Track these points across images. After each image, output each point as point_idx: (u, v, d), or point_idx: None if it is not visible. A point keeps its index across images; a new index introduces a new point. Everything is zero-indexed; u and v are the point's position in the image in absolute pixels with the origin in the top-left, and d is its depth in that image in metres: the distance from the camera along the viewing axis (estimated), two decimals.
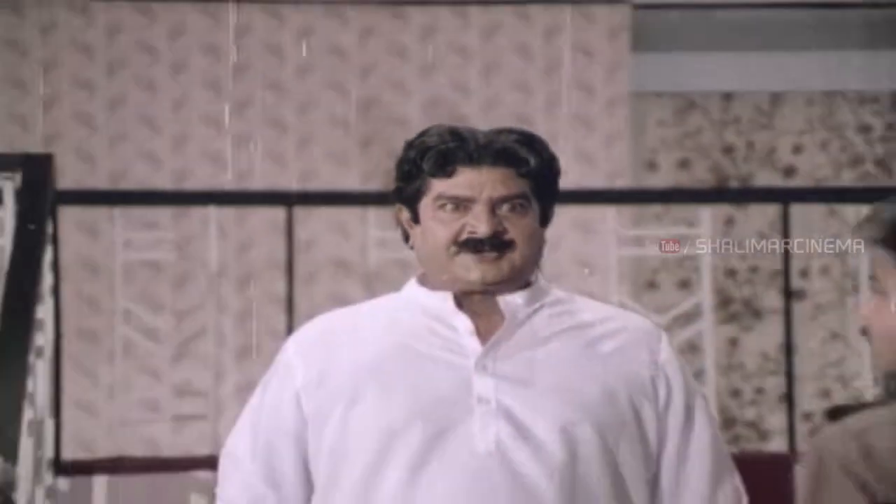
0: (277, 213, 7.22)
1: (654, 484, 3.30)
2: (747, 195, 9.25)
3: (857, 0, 8.95)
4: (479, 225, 3.24)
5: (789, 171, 9.75)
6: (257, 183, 9.13)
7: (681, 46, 9.48)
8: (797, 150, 9.81)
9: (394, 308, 3.42)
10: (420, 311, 3.35)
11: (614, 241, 7.36)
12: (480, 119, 9.11)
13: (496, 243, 3.25)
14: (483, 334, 3.27)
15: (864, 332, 2.87)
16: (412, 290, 3.39)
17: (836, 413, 2.82)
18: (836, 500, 2.60)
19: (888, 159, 9.55)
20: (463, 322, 3.29)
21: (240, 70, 9.40)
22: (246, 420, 3.43)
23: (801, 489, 2.72)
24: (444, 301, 3.31)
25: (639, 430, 3.27)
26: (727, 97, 9.81)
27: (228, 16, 9.32)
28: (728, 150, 9.81)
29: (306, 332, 3.46)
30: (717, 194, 9.03)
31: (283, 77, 9.43)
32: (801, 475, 2.79)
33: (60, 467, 6.12)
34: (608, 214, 7.56)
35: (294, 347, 3.44)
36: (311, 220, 8.60)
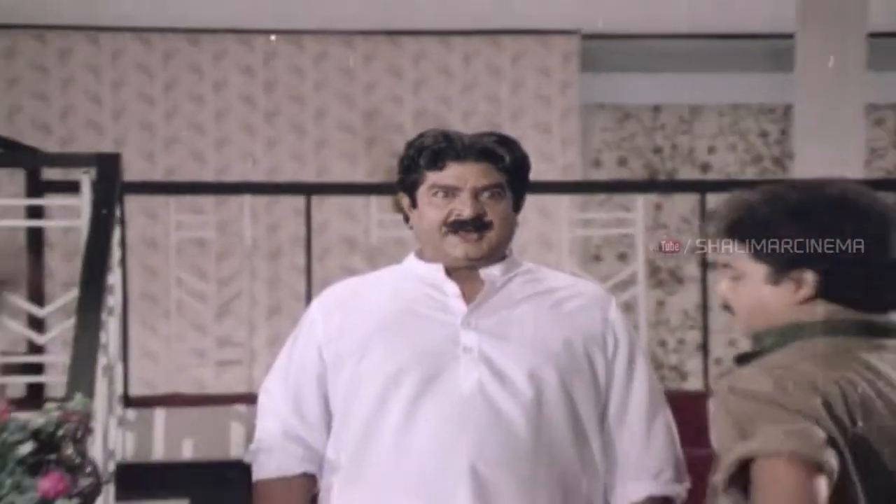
0: (298, 201, 7.21)
1: (602, 416, 3.32)
2: (672, 186, 9.23)
3: (757, 32, 8.94)
4: (465, 209, 3.27)
5: (705, 168, 9.75)
6: (283, 176, 9.14)
7: (619, 68, 9.50)
8: (711, 150, 9.81)
9: (396, 278, 3.44)
10: (417, 280, 3.37)
11: (567, 224, 7.34)
12: (460, 126, 9.09)
13: (478, 224, 3.28)
14: (468, 298, 3.30)
15: (725, 307, 2.89)
16: (411, 262, 3.41)
17: (742, 359, 2.79)
18: (769, 424, 2.60)
19: (782, 158, 9.56)
20: (451, 288, 3.32)
21: (269, 87, 9.40)
22: (279, 366, 3.44)
23: (727, 421, 2.69)
24: (436, 271, 3.33)
25: (591, 374, 3.30)
26: (656, 109, 9.80)
27: (260, 43, 9.32)
28: (657, 150, 9.80)
29: (326, 297, 3.47)
30: (648, 185, 9.02)
31: (304, 92, 9.42)
32: (723, 410, 2.73)
33: (128, 401, 6.15)
34: (562, 202, 7.55)
35: (317, 308, 3.44)
36: (325, 207, 8.59)
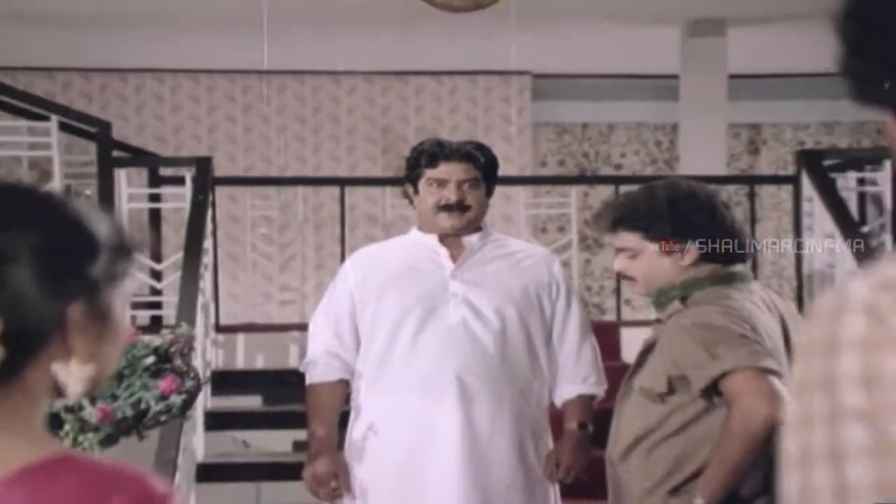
0: (335, 190, 7.18)
1: (548, 340, 3.34)
2: (596, 180, 9.21)
3: (654, 73, 8.88)
4: (451, 196, 3.29)
5: (618, 167, 9.76)
6: (324, 172, 9.13)
7: (559, 98, 9.49)
8: (622, 155, 9.82)
9: (404, 244, 3.46)
10: (419, 245, 3.38)
11: (523, 206, 7.33)
12: (448, 137, 9.05)
13: (460, 206, 3.29)
14: (454, 258, 3.33)
15: (624, 277, 2.91)
16: (414, 233, 3.43)
17: (683, 299, 2.77)
18: (733, 347, 2.63)
19: (671, 160, 9.56)
20: (443, 251, 3.34)
21: (315, 110, 9.39)
22: (323, 305, 3.45)
23: (695, 346, 2.70)
24: (432, 239, 3.35)
25: (540, 311, 3.32)
26: (584, 126, 9.80)
27: (309, 80, 9.31)
28: (585, 155, 9.80)
29: (355, 257, 3.49)
30: (579, 179, 9.01)
31: (339, 114, 9.41)
32: (690, 339, 2.72)
33: (218, 328, 6.12)
34: (520, 191, 7.55)
35: (349, 265, 3.45)
36: (355, 193, 8.55)
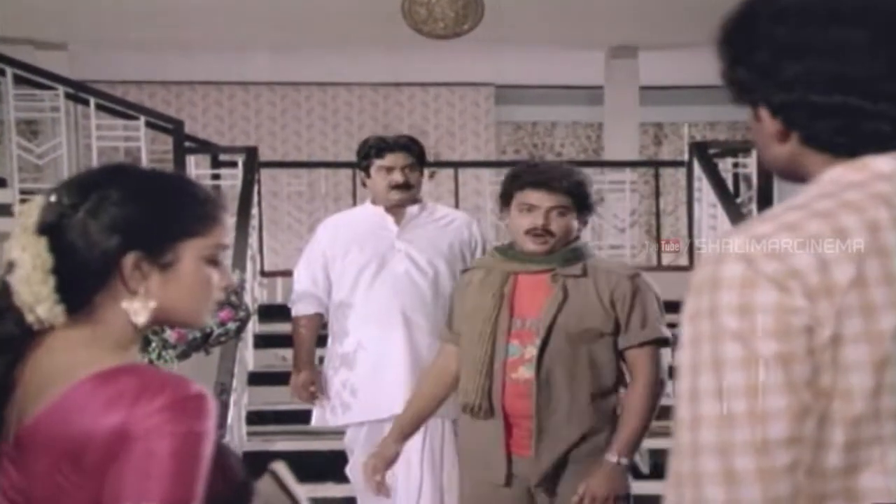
0: (349, 171, 7.03)
1: None
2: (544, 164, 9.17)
3: (584, 85, 8.61)
4: (399, 179, 3.26)
5: (559, 154, 9.70)
6: (340, 158, 8.93)
7: (515, 102, 9.42)
8: (562, 146, 9.78)
9: (361, 214, 3.42)
10: (373, 214, 3.35)
11: (488, 183, 7.20)
12: (433, 132, 9.09)
13: (406, 186, 3.26)
14: (399, 224, 3.31)
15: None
16: (368, 205, 3.39)
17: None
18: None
19: (598, 150, 9.38)
20: (389, 219, 3.32)
21: (334, 112, 9.34)
22: (303, 259, 3.44)
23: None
24: (382, 210, 3.33)
25: (463, 261, 3.28)
26: (534, 124, 9.72)
27: (330, 89, 9.28)
28: (535, 145, 9.74)
29: (326, 222, 3.46)
30: None
31: (352, 114, 9.34)
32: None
33: (263, 273, 6.09)
34: (486, 172, 7.49)
35: (322, 229, 3.43)
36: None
